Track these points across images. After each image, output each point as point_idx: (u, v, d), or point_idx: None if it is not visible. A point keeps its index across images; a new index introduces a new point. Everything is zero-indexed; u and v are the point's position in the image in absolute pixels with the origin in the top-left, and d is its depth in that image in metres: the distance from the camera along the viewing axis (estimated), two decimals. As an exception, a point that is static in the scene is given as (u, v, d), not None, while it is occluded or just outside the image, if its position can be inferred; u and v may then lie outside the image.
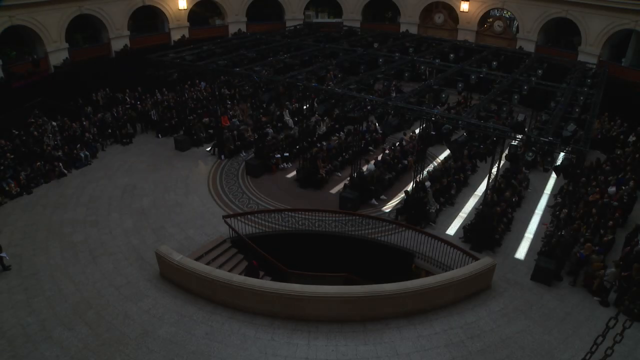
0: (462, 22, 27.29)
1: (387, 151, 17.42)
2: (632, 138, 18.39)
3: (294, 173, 16.79)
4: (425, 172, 15.28)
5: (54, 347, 9.04)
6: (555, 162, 14.62)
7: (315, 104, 17.16)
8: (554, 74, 18.14)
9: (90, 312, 9.99)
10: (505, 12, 26.96)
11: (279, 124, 20.76)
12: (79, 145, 17.20)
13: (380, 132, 18.82)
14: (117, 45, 24.16)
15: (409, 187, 14.57)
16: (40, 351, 8.95)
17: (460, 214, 14.51)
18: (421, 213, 13.57)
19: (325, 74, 19.57)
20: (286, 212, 13.86)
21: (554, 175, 16.02)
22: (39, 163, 15.76)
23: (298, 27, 25.43)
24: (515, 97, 15.45)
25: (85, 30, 23.67)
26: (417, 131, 16.98)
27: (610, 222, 12.35)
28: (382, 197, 15.31)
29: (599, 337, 3.90)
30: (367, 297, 9.77)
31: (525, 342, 9.38)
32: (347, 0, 28.80)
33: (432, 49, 20.79)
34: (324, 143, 18.53)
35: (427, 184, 14.98)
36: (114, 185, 15.72)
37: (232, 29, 28.10)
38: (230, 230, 12.92)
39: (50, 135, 17.13)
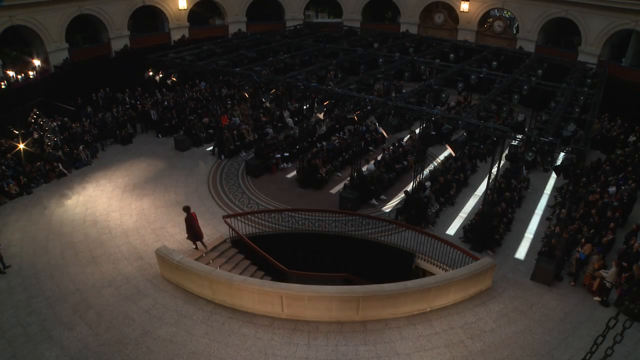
0: (462, 22, 27.31)
1: (387, 151, 17.42)
2: (632, 138, 18.41)
3: (294, 173, 16.79)
4: (427, 171, 15.30)
5: (54, 347, 9.05)
6: (555, 162, 14.63)
7: (315, 104, 17.18)
8: (554, 74, 18.14)
9: (90, 312, 10.00)
10: (505, 12, 26.98)
11: (279, 124, 20.78)
12: (82, 147, 17.21)
13: (381, 132, 18.82)
14: (117, 45, 24.17)
15: (409, 187, 14.58)
16: (40, 351, 8.95)
17: (460, 214, 14.51)
18: (421, 213, 13.58)
19: (325, 74, 19.57)
20: (286, 212, 13.87)
21: (554, 175, 16.02)
22: (39, 163, 15.77)
23: (298, 27, 25.44)
24: (515, 97, 15.45)
25: (85, 30, 23.68)
26: (417, 131, 16.99)
27: (612, 224, 12.34)
28: (382, 197, 15.31)
29: (599, 337, 3.90)
30: (367, 297, 9.77)
31: (525, 342, 9.38)
32: (347, 0, 28.81)
33: (432, 49, 20.80)
34: (324, 143, 18.55)
35: (427, 184, 14.99)
36: (114, 185, 15.73)
37: (232, 29, 28.12)
38: (230, 230, 12.92)
39: (50, 136, 17.12)
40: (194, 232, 12.01)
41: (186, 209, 11.92)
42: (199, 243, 12.34)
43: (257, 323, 9.80)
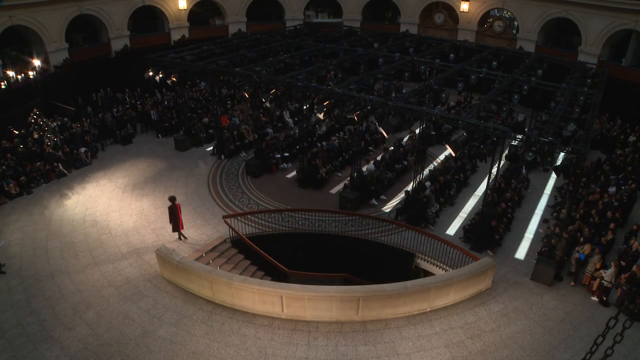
0: (462, 22, 27.30)
1: (386, 151, 17.40)
2: (632, 138, 18.41)
3: (294, 173, 16.79)
4: (427, 171, 15.27)
5: (54, 347, 9.05)
6: (555, 162, 14.62)
7: (315, 104, 17.18)
8: (554, 74, 18.14)
9: (90, 312, 10.00)
10: (505, 12, 26.97)
11: (279, 124, 20.77)
12: (85, 150, 17.21)
13: (381, 132, 18.83)
14: (117, 45, 24.17)
15: (409, 187, 14.58)
16: (40, 351, 8.95)
17: (460, 214, 14.51)
18: (421, 213, 13.58)
19: (325, 74, 19.55)
20: (286, 212, 13.87)
21: (554, 175, 16.01)
22: (39, 163, 15.77)
23: (298, 27, 25.43)
24: (515, 97, 15.44)
25: (85, 30, 23.68)
26: (417, 131, 16.98)
27: (612, 224, 12.32)
28: (382, 197, 15.31)
29: (599, 337, 3.90)
30: (367, 297, 9.77)
31: (525, 342, 9.38)
32: (347, 0, 28.81)
33: (432, 49, 20.79)
34: (324, 143, 18.55)
35: (427, 184, 14.99)
36: (114, 185, 15.73)
37: (232, 29, 28.12)
38: (230, 230, 12.92)
39: (50, 136, 17.14)
40: (175, 222, 12.49)
41: (171, 198, 12.46)
42: (177, 233, 12.84)
43: (257, 323, 9.80)
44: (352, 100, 13.38)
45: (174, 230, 12.81)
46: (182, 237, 12.87)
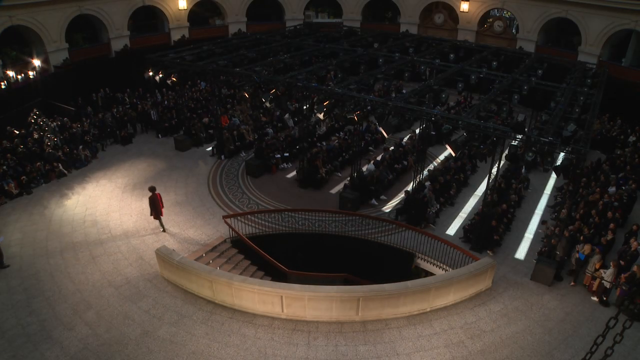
0: (462, 22, 27.31)
1: (386, 151, 17.40)
2: (632, 138, 18.41)
3: (294, 173, 16.79)
4: (426, 172, 15.26)
5: (54, 347, 9.05)
6: (555, 162, 14.63)
7: (315, 105, 17.17)
8: (554, 74, 18.14)
9: (90, 312, 10.00)
10: (505, 12, 26.99)
11: (279, 124, 20.77)
12: (81, 147, 17.22)
13: (381, 132, 18.83)
14: (117, 45, 24.17)
15: (409, 187, 14.57)
16: (40, 351, 8.95)
17: (460, 214, 14.51)
18: (421, 213, 13.58)
19: (325, 74, 19.55)
20: (286, 212, 13.87)
21: (554, 175, 16.01)
22: (39, 163, 15.77)
23: (298, 27, 25.44)
24: (515, 97, 15.45)
25: (85, 30, 23.69)
26: (417, 131, 16.98)
27: (612, 225, 12.32)
28: (382, 197, 15.31)
29: (599, 337, 3.90)
30: (367, 297, 9.77)
31: (525, 342, 9.38)
32: (347, 0, 28.82)
33: (432, 49, 20.79)
34: (324, 143, 18.54)
35: (427, 184, 14.99)
36: (114, 185, 15.73)
37: (232, 29, 28.13)
38: (230, 230, 12.93)
39: (50, 136, 17.14)
40: (155, 211, 12.93)
41: (151, 189, 12.83)
42: (159, 223, 13.24)
43: (257, 323, 9.80)
44: (352, 100, 13.38)
45: (155, 218, 13.13)
46: (162, 226, 13.22)
